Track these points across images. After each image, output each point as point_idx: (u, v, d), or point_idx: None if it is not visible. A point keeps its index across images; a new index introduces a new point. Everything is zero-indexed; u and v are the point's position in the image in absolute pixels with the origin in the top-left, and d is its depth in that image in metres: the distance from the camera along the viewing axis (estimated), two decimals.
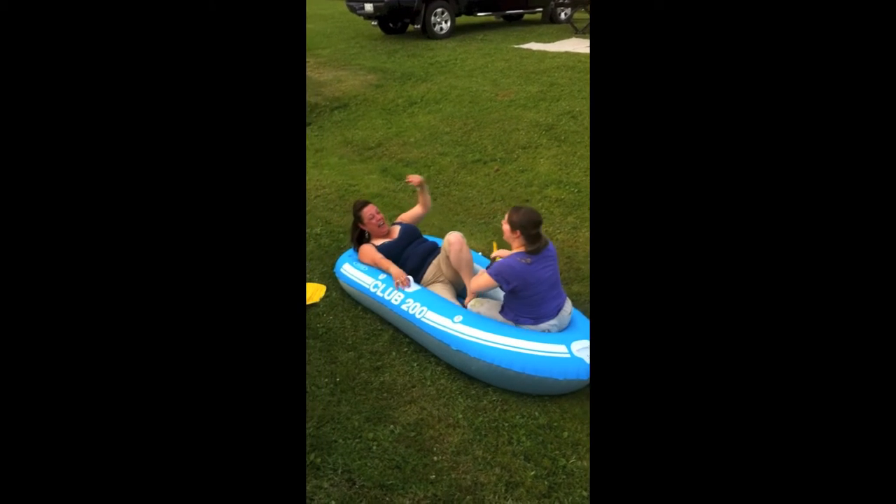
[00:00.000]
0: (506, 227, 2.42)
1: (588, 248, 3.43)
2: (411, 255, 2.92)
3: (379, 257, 2.91)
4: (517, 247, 2.42)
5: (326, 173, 4.81)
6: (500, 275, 2.36)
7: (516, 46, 8.06)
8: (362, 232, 3.08)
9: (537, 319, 2.40)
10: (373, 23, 9.65)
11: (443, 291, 2.77)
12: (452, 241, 2.69)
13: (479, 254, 3.13)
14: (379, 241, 3.03)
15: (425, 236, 3.16)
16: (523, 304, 2.40)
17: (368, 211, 3.02)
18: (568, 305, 2.48)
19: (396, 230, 3.08)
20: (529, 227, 2.32)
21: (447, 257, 2.75)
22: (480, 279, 2.47)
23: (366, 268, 2.97)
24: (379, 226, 3.01)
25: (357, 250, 3.07)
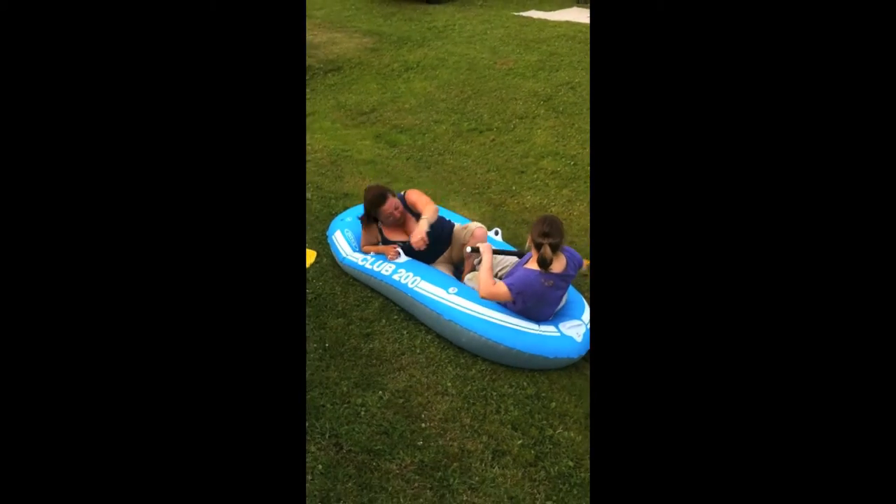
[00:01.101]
0: None
1: (582, 221, 3.40)
2: (430, 254, 2.78)
3: (372, 246, 2.86)
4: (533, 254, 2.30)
5: (318, 137, 4.71)
6: (521, 294, 2.25)
7: (516, 14, 7.87)
8: (375, 219, 2.82)
9: (535, 321, 2.38)
10: None
11: (442, 269, 2.76)
12: (478, 235, 2.69)
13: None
14: (396, 239, 2.80)
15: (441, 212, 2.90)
16: (523, 311, 2.35)
17: (388, 208, 2.65)
18: (563, 300, 2.46)
19: (418, 229, 2.69)
20: (535, 234, 2.23)
21: (462, 244, 2.71)
22: (498, 289, 2.29)
23: (356, 244, 2.93)
24: (398, 218, 2.74)
25: (364, 228, 2.86)
